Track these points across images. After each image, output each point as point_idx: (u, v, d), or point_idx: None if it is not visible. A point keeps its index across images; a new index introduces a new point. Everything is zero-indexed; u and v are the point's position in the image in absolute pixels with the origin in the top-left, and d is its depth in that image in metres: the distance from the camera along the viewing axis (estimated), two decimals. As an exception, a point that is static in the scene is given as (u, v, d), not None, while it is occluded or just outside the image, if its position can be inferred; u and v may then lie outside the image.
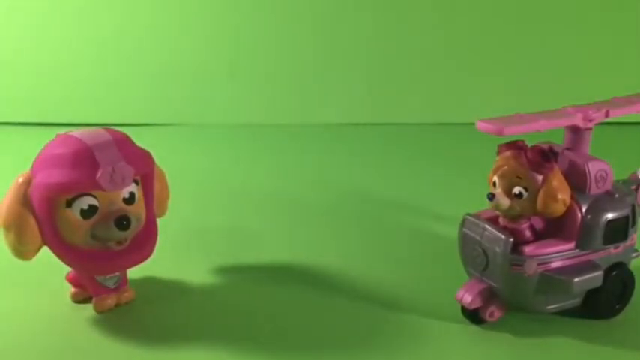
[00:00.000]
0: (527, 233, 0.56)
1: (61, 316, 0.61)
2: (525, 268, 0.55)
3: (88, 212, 0.56)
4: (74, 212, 0.55)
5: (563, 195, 0.54)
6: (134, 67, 1.22)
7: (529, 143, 0.56)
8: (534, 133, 0.55)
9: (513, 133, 0.53)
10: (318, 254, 0.72)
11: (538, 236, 0.57)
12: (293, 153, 1.07)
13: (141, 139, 0.60)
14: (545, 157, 0.54)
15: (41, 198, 0.55)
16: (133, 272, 0.63)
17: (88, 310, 0.61)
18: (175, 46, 1.22)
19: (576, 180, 0.56)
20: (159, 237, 0.61)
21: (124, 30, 1.21)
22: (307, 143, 1.12)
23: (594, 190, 0.56)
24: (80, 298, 0.63)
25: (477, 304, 0.58)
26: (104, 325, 0.60)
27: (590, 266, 0.56)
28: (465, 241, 0.59)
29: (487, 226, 0.56)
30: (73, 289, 0.63)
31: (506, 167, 0.55)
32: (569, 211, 0.55)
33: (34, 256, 0.58)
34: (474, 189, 0.66)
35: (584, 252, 0.56)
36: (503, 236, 0.55)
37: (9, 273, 0.67)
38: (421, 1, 1.19)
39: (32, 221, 0.56)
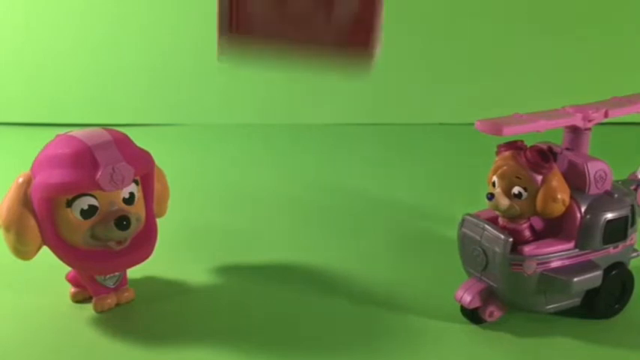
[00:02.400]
0: (527, 233, 0.56)
1: (61, 316, 0.61)
2: (525, 268, 0.55)
3: (88, 212, 0.56)
4: (74, 212, 0.56)
5: (563, 195, 0.54)
6: (134, 67, 1.22)
7: (528, 143, 0.56)
8: (534, 133, 0.55)
9: (513, 133, 0.53)
10: (317, 254, 0.72)
11: (538, 236, 0.57)
12: (293, 153, 1.07)
13: (141, 139, 0.60)
14: (544, 157, 0.54)
15: (41, 198, 0.55)
16: (133, 272, 0.63)
17: (88, 310, 0.62)
18: (175, 46, 1.22)
19: (576, 180, 0.56)
20: (159, 237, 0.61)
21: (124, 30, 1.21)
22: (307, 143, 1.12)
23: (594, 190, 0.56)
24: (80, 298, 0.63)
25: (477, 304, 0.58)
26: (104, 325, 0.60)
27: (590, 266, 0.56)
28: (464, 241, 0.59)
29: (487, 226, 0.56)
30: (73, 289, 0.63)
31: (505, 167, 0.55)
32: (568, 211, 0.55)
33: (34, 256, 0.58)
34: (473, 189, 0.66)
35: (583, 252, 0.56)
36: (502, 236, 0.55)
37: (9, 273, 0.67)
38: (422, 2, 1.19)
39: (32, 221, 0.56)
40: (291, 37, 0.50)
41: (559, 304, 0.58)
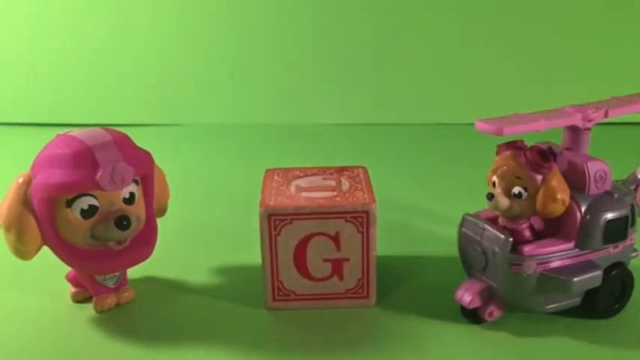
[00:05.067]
0: (527, 233, 0.56)
1: (61, 316, 0.61)
2: (525, 268, 0.55)
3: (88, 212, 0.56)
4: (74, 212, 0.56)
5: (563, 195, 0.54)
6: (134, 67, 1.22)
7: (528, 143, 0.56)
8: (534, 133, 0.55)
9: (513, 133, 0.53)
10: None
11: (537, 236, 0.57)
12: (293, 153, 1.07)
13: (141, 139, 0.60)
14: (544, 157, 0.54)
15: (41, 198, 0.55)
16: (133, 272, 0.63)
17: (88, 310, 0.62)
18: (175, 46, 1.22)
19: (576, 180, 0.56)
20: (159, 237, 0.61)
21: (125, 30, 1.21)
22: (307, 143, 1.12)
23: (594, 189, 0.56)
24: (80, 298, 0.63)
25: (477, 303, 0.58)
26: (104, 325, 0.60)
27: (590, 266, 0.56)
28: (464, 241, 0.59)
29: (487, 226, 0.56)
30: (73, 289, 0.63)
31: (505, 167, 0.55)
32: (568, 211, 0.55)
33: (34, 256, 0.58)
34: (473, 189, 0.66)
35: (583, 252, 0.56)
36: (502, 236, 0.55)
37: (9, 273, 0.67)
38: (421, 2, 1.20)
39: (32, 221, 0.56)
40: None
41: (559, 304, 0.58)
